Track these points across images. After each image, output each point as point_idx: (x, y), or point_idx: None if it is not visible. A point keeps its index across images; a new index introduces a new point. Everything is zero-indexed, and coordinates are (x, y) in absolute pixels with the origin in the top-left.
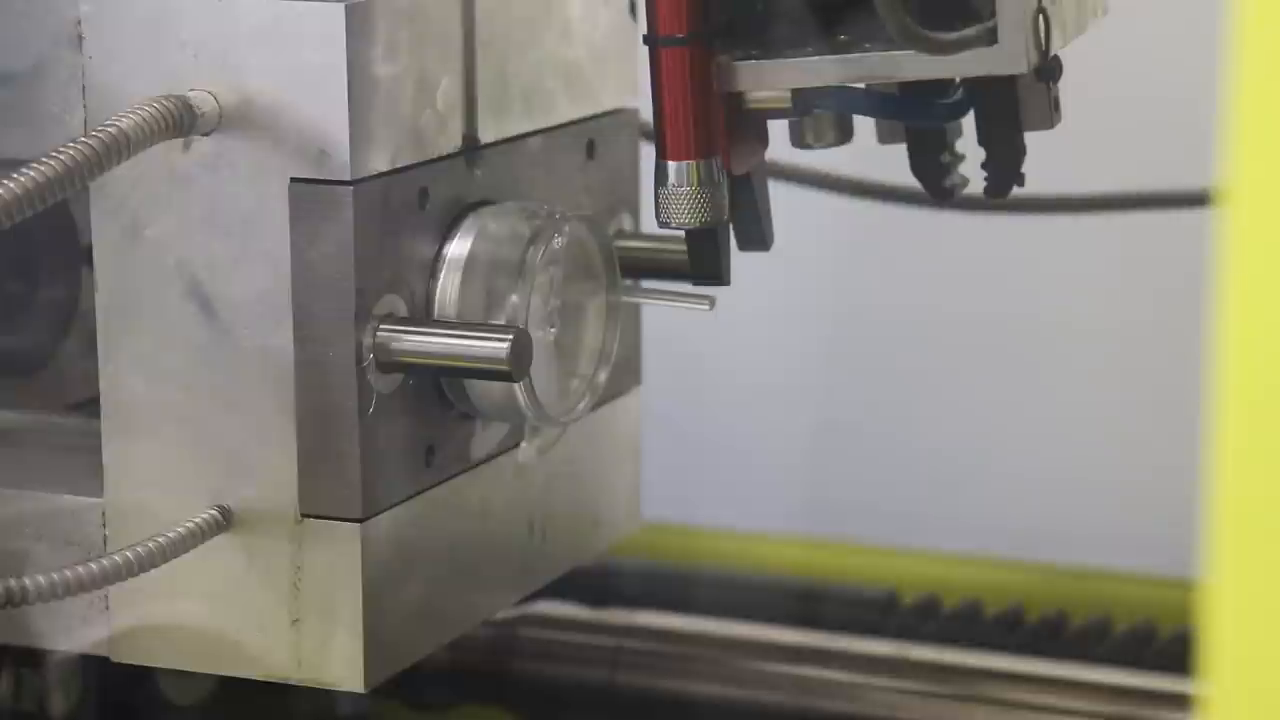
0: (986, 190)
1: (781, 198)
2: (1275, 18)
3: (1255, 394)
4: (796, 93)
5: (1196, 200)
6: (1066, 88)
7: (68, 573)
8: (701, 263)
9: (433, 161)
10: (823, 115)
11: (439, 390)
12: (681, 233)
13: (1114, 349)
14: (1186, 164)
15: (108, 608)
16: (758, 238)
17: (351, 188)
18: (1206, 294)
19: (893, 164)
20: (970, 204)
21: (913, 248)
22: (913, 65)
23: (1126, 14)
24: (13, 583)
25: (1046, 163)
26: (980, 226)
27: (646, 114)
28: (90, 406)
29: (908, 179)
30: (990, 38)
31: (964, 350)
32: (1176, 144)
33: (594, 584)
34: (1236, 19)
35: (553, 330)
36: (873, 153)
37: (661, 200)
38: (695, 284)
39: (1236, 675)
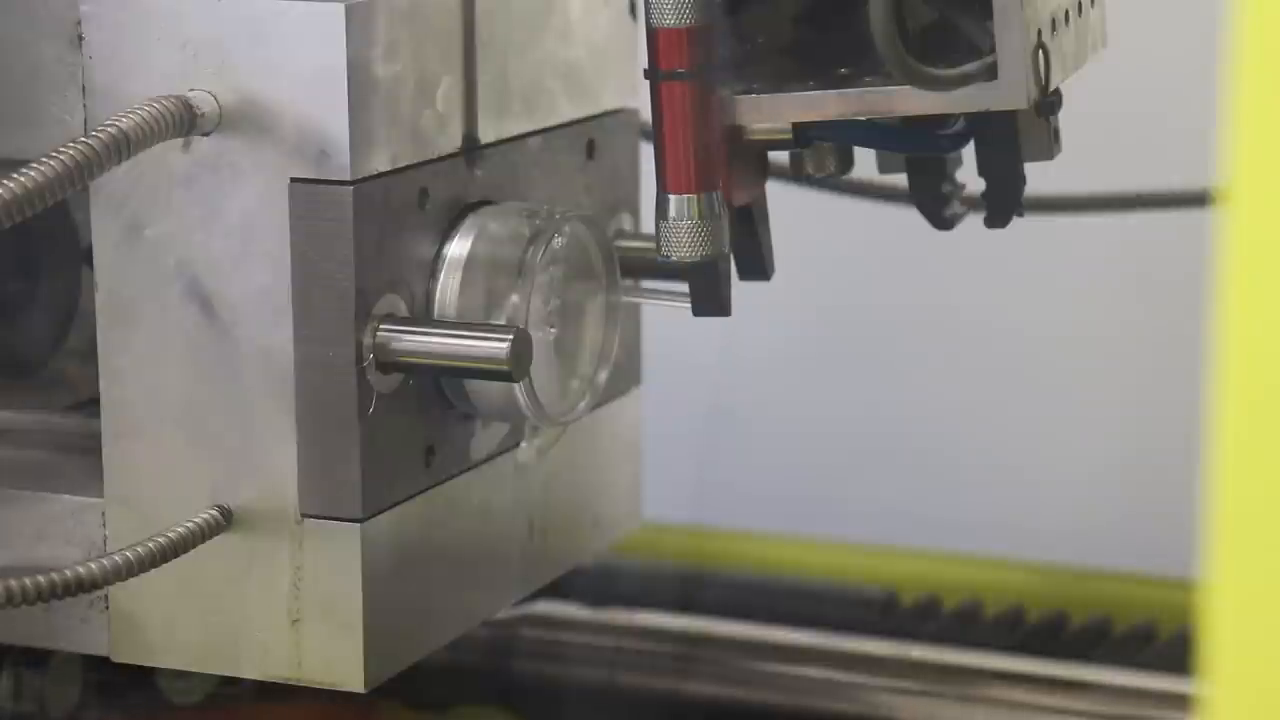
0: (987, 221)
1: (781, 198)
2: (1275, 18)
3: (1255, 394)
4: (797, 125)
5: (1196, 200)
6: (1067, 86)
7: (68, 573)
8: (703, 295)
9: (433, 161)
10: (823, 145)
11: (439, 390)
12: None
13: (1114, 348)
14: (1186, 164)
15: (107, 608)
16: (758, 268)
17: (351, 188)
18: (1206, 294)
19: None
20: (970, 203)
21: (912, 246)
22: (913, 100)
23: (1127, 14)
24: (13, 583)
25: (1048, 162)
26: (980, 225)
27: (647, 114)
28: (90, 406)
29: (903, 178)
30: (990, 73)
31: (964, 349)
32: (1176, 144)
33: (594, 584)
34: (1236, 19)
35: (553, 330)
36: (869, 151)
37: (663, 233)
38: (696, 315)
39: (1236, 675)
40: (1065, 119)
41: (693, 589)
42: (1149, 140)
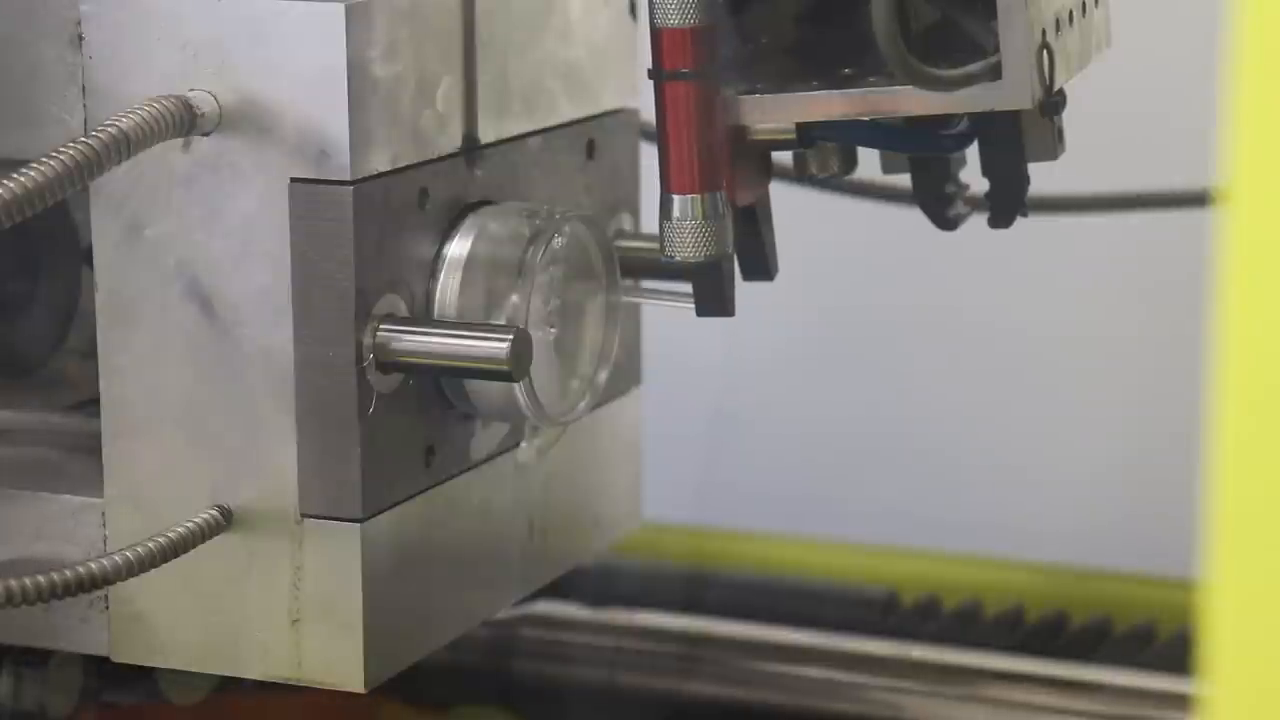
0: (991, 221)
1: (784, 198)
2: (1275, 18)
3: (1255, 394)
4: (801, 125)
5: (1196, 200)
6: (1069, 86)
7: (68, 573)
8: (706, 295)
9: (433, 161)
10: (827, 145)
11: (439, 390)
12: None
13: (1115, 349)
14: (1187, 164)
15: (107, 608)
16: (762, 268)
17: (351, 188)
18: (1207, 294)
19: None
20: (973, 203)
21: (913, 247)
22: (916, 100)
23: (1128, 15)
24: (13, 583)
25: (1048, 163)
26: (980, 225)
27: (647, 114)
28: (90, 406)
29: (907, 179)
30: (994, 73)
31: (965, 350)
32: (1177, 144)
33: (594, 584)
34: (1236, 19)
35: (553, 330)
36: (872, 152)
37: (667, 233)
38: (700, 315)
39: (1236, 675)
40: (1066, 119)
41: (693, 589)
42: (1150, 140)
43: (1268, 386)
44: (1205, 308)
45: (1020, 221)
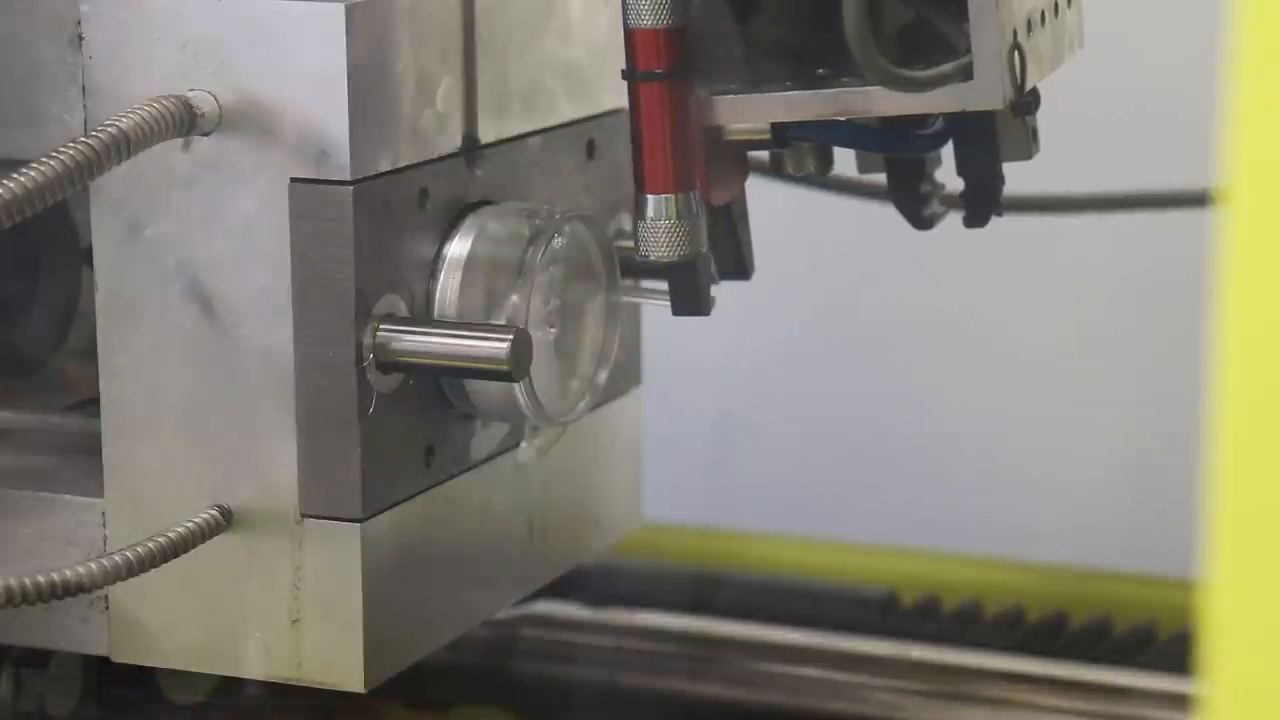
0: (966, 220)
1: (780, 196)
2: (1275, 18)
3: (1255, 394)
4: (775, 125)
5: (1196, 200)
6: (1068, 87)
7: (68, 573)
8: (681, 294)
9: (433, 161)
10: (802, 145)
11: (439, 390)
12: None
13: (1114, 348)
14: (1187, 164)
15: (107, 608)
16: (738, 267)
17: (351, 188)
18: (1206, 294)
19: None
20: (950, 202)
21: (913, 247)
22: (889, 100)
23: (1128, 15)
24: (13, 583)
25: (1047, 163)
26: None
27: None
28: (90, 406)
29: None
30: (966, 74)
31: (964, 350)
32: (1176, 144)
33: (594, 584)
34: (1236, 19)
35: (553, 330)
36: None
37: (641, 233)
38: (675, 314)
39: (1236, 675)
40: (1066, 119)
41: (693, 589)
42: (1149, 140)
43: (1268, 386)
44: (1205, 308)
45: (1021, 221)
